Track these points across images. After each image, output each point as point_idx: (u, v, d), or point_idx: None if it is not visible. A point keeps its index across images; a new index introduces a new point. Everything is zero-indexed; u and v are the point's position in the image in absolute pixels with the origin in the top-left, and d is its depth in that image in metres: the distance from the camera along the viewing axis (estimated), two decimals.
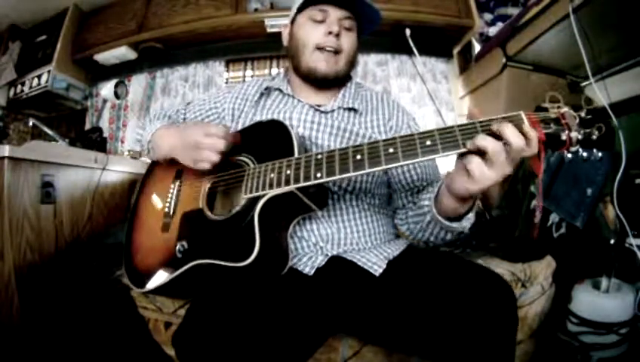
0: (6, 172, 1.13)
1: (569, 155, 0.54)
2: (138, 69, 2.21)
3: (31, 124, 1.85)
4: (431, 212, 0.67)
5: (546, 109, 0.55)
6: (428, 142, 0.54)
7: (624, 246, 1.15)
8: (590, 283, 1.10)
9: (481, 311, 0.54)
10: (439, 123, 1.93)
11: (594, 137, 0.52)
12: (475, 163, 0.52)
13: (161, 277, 0.75)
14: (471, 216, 0.65)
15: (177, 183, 0.82)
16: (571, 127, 0.52)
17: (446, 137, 0.54)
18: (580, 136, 0.52)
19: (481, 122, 0.53)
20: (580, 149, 0.53)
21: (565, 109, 0.54)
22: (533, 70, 1.58)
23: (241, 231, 0.65)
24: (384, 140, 0.57)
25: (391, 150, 0.56)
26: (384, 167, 0.56)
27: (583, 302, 1.05)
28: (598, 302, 1.03)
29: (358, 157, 0.58)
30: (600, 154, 0.53)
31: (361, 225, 0.78)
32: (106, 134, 2.13)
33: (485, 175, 0.52)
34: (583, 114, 0.53)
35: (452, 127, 0.54)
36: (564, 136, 0.53)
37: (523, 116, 0.53)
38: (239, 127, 0.85)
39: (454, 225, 0.65)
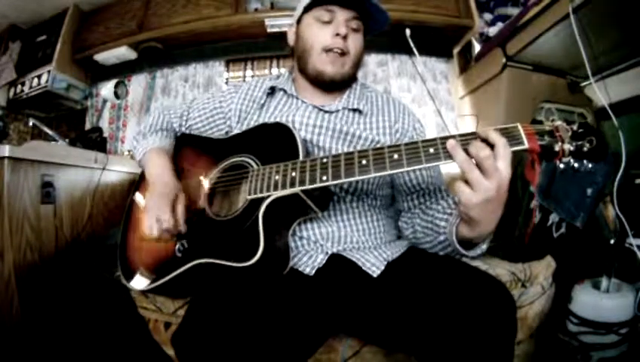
0: (6, 172, 1.13)
1: (561, 165, 0.57)
2: (138, 69, 2.20)
3: (31, 124, 1.85)
4: (449, 239, 0.66)
5: (541, 122, 0.58)
6: (431, 150, 0.56)
7: (624, 246, 1.15)
8: (590, 283, 1.10)
9: (479, 316, 0.54)
10: (439, 123, 1.94)
11: (585, 149, 0.55)
12: (462, 189, 0.54)
13: (158, 276, 0.75)
14: (484, 246, 0.65)
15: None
16: (564, 139, 0.55)
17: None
18: (571, 148, 0.55)
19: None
20: (572, 160, 0.56)
21: (559, 123, 0.56)
22: (533, 70, 1.58)
23: (244, 232, 0.65)
24: (389, 146, 0.59)
25: (395, 156, 0.58)
26: (389, 172, 0.58)
27: (583, 302, 1.05)
28: (598, 302, 1.03)
29: (364, 162, 0.59)
30: (590, 165, 0.57)
31: (362, 225, 0.78)
32: (106, 134, 2.13)
33: (469, 195, 0.54)
34: (575, 127, 0.56)
35: (454, 136, 0.56)
36: (557, 148, 0.55)
37: (519, 128, 0.55)
38: (244, 128, 0.85)
39: (469, 253, 0.65)
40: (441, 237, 0.69)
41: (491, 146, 0.53)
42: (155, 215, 0.71)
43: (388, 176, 0.78)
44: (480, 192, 0.53)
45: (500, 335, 0.54)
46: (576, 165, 0.56)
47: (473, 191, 0.53)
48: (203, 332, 0.56)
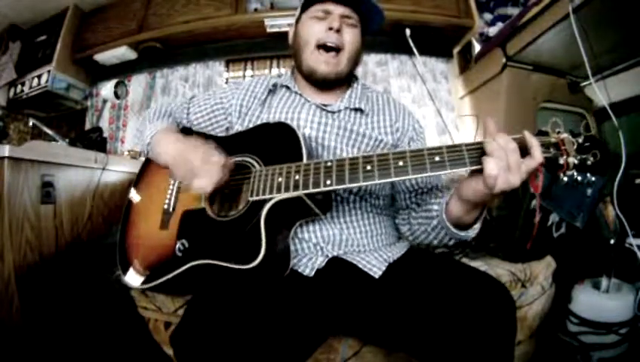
0: (6, 172, 1.13)
1: (565, 178, 0.57)
2: (138, 69, 2.20)
3: (31, 124, 1.85)
4: (439, 217, 0.68)
5: (547, 133, 0.58)
6: (437, 158, 0.57)
7: (624, 246, 1.15)
8: (590, 283, 1.10)
9: (479, 317, 0.54)
10: (439, 123, 1.93)
11: (589, 163, 0.55)
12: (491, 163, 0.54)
13: (158, 275, 0.75)
14: (477, 226, 0.66)
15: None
16: (569, 152, 0.56)
17: (454, 155, 0.56)
18: (576, 161, 0.55)
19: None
20: (575, 173, 0.57)
21: (565, 135, 0.57)
22: (533, 70, 1.58)
23: (246, 234, 0.64)
24: (394, 153, 0.59)
25: (400, 163, 0.58)
26: (393, 178, 0.58)
27: (583, 302, 1.05)
28: (598, 302, 1.03)
29: (368, 167, 0.59)
30: (593, 178, 0.57)
31: (364, 226, 0.78)
32: (106, 134, 2.12)
33: (501, 177, 0.53)
34: (580, 140, 0.56)
35: (460, 145, 0.57)
36: (561, 161, 0.56)
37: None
38: (246, 124, 0.85)
39: (461, 233, 0.66)
40: (434, 221, 0.70)
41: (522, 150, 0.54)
42: (194, 171, 0.66)
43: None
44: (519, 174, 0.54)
45: (499, 336, 0.54)
46: (579, 178, 0.57)
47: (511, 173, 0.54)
48: (202, 331, 0.56)
